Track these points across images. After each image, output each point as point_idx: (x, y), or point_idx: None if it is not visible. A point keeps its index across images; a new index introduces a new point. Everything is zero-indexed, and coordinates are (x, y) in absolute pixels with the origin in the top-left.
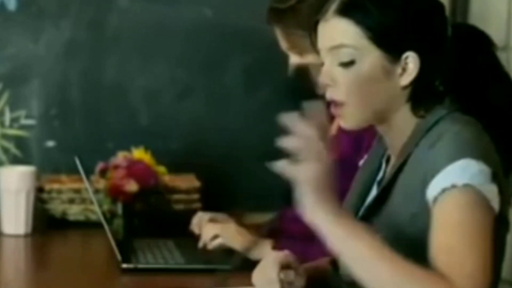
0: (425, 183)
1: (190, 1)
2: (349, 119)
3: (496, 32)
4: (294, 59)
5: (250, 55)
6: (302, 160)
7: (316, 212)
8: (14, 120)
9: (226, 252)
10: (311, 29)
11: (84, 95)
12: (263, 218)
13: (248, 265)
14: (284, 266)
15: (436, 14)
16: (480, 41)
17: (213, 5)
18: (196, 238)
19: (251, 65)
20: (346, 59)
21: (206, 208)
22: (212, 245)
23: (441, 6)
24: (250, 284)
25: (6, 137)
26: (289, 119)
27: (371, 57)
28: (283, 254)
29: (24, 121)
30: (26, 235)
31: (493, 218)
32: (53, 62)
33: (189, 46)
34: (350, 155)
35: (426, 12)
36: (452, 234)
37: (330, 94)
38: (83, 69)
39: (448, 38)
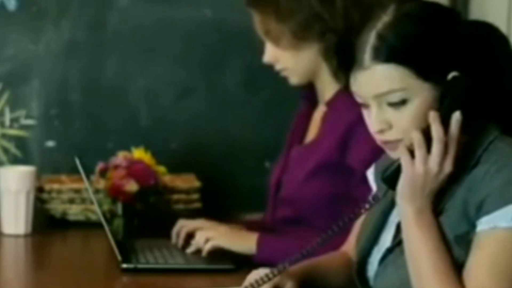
0: (482, 210)
1: (190, 1)
2: (404, 147)
3: None
4: (270, 47)
5: (250, 55)
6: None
7: (404, 202)
8: (14, 120)
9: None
10: (344, 79)
11: (84, 95)
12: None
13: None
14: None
15: (457, 25)
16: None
17: (213, 5)
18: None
19: (251, 65)
20: (396, 100)
21: (206, 208)
22: (206, 249)
23: (456, 13)
24: None
25: (6, 137)
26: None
27: (421, 92)
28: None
29: (24, 121)
30: (26, 235)
31: None
32: (53, 62)
33: (189, 46)
34: (335, 158)
35: (452, 28)
36: (496, 282)
37: (385, 137)
38: (83, 69)
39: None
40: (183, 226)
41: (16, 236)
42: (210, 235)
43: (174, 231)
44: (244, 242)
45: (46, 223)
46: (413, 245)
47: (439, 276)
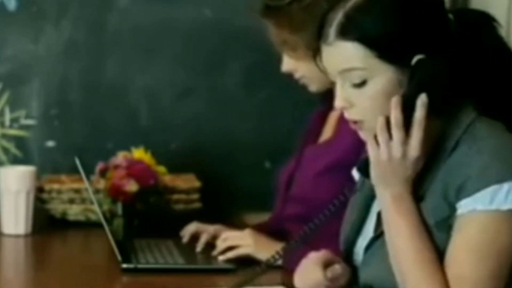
0: (462, 193)
1: (190, 1)
2: (370, 132)
3: None
4: (287, 57)
5: (250, 55)
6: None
7: (380, 189)
8: (14, 120)
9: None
10: (315, 53)
11: (84, 95)
12: (262, 218)
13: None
14: (326, 265)
15: (435, 11)
16: (484, 25)
17: (213, 5)
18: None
19: (251, 65)
20: (357, 80)
21: (206, 208)
22: (229, 257)
23: (440, 2)
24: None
25: (6, 137)
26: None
27: (382, 74)
28: (322, 253)
29: (24, 121)
30: (26, 235)
31: None
32: (53, 62)
33: (189, 46)
34: (351, 158)
35: (426, 13)
36: (477, 265)
37: (348, 115)
38: (83, 69)
39: (451, 31)
40: (201, 230)
41: (16, 236)
42: (234, 243)
43: (189, 232)
44: (269, 251)
45: (46, 223)
46: (393, 231)
47: (420, 262)
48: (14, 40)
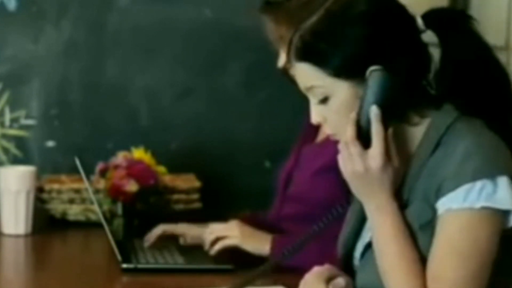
0: (439, 193)
1: (190, 1)
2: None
3: (496, 32)
4: (283, 54)
5: (250, 55)
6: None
7: (361, 200)
8: (14, 120)
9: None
10: (285, 70)
11: (84, 95)
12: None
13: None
14: (329, 279)
15: (393, 21)
16: (458, 23)
17: (213, 5)
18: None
19: (251, 65)
20: (320, 97)
21: (206, 208)
22: (215, 249)
23: (400, 8)
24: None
25: (6, 137)
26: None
27: (341, 89)
28: (325, 268)
29: (24, 121)
30: (26, 235)
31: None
32: (53, 62)
33: (189, 46)
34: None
35: (382, 27)
36: (454, 264)
37: (324, 129)
38: (83, 69)
39: (417, 34)
40: (168, 231)
41: (16, 236)
42: (221, 234)
43: (154, 235)
44: (257, 242)
45: (46, 223)
46: (380, 240)
47: (404, 264)
48: (14, 40)
